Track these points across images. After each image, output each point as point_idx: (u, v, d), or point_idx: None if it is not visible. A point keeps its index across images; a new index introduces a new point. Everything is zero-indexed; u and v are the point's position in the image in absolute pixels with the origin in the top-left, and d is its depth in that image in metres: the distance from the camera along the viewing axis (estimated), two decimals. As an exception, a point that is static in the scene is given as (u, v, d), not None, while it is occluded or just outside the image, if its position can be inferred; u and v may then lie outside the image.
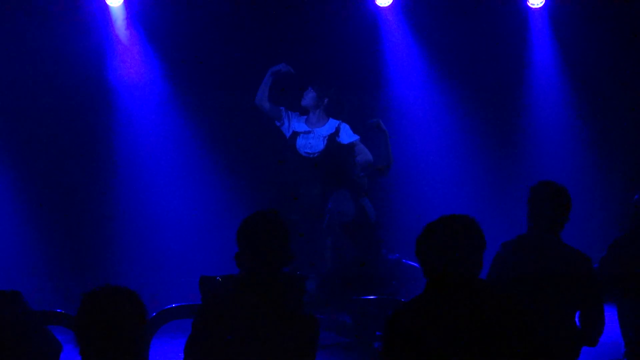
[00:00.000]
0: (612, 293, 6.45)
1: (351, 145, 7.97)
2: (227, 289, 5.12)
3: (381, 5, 9.82)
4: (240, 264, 4.07)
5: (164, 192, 9.91)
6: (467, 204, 10.19)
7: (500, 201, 10.08)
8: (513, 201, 9.90)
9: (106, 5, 9.52)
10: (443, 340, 3.46)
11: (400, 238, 8.97)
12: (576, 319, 5.19)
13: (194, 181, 9.94)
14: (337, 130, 8.12)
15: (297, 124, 8.18)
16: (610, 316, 6.81)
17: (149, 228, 9.77)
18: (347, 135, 8.10)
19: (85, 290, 3.41)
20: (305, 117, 8.22)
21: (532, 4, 10.00)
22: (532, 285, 5.01)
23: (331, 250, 7.47)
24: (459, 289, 3.54)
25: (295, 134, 8.16)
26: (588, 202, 10.22)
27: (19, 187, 9.82)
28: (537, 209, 5.32)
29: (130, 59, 9.73)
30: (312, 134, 8.13)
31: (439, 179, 10.26)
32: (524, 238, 5.38)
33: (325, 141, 8.07)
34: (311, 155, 8.07)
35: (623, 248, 6.47)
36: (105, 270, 9.40)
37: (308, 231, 7.71)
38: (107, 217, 9.84)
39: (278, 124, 8.29)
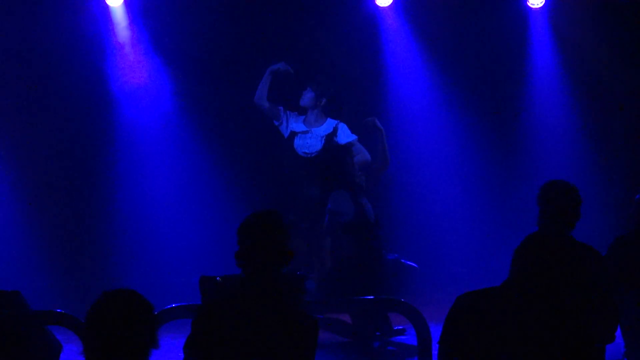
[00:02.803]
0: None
1: (349, 145, 7.97)
2: (227, 289, 5.13)
3: (381, 5, 9.82)
4: (240, 263, 4.07)
5: (163, 192, 9.91)
6: (467, 204, 10.20)
7: (500, 201, 10.08)
8: (513, 201, 9.94)
9: (106, 5, 9.52)
10: None
11: (399, 238, 8.99)
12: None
13: (194, 181, 9.94)
14: (335, 130, 8.12)
15: (295, 124, 8.18)
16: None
17: (149, 228, 9.77)
18: (345, 135, 8.10)
19: (95, 290, 3.42)
20: (303, 116, 8.22)
21: (532, 4, 10.00)
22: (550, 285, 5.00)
23: (330, 250, 7.46)
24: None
25: (293, 134, 8.16)
26: (588, 202, 10.20)
27: (20, 188, 9.82)
28: (548, 207, 5.33)
29: (130, 59, 9.73)
30: (309, 133, 8.13)
31: (439, 179, 10.25)
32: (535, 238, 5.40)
33: (323, 141, 8.07)
34: (309, 155, 8.07)
35: (624, 248, 6.47)
36: (105, 270, 9.41)
37: (307, 231, 7.72)
38: (108, 217, 9.84)
39: (276, 123, 8.29)
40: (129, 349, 3.30)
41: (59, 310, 5.73)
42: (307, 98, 8.17)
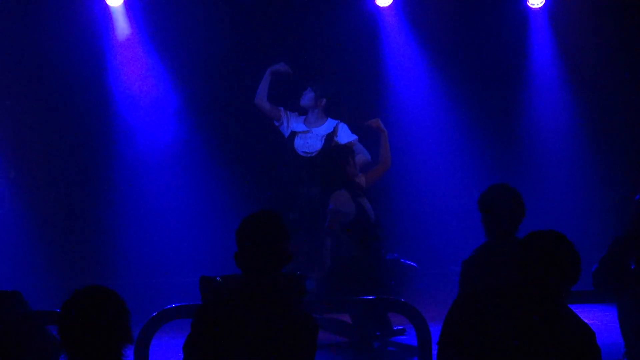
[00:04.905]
0: (612, 293, 6.46)
1: (349, 145, 7.97)
2: (227, 289, 5.12)
3: (381, 5, 9.82)
4: (240, 264, 4.07)
5: (163, 191, 9.91)
6: (467, 203, 10.19)
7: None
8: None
9: (106, 5, 9.53)
10: None
11: (398, 238, 8.99)
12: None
13: (193, 181, 9.94)
14: (335, 130, 8.14)
15: (295, 124, 8.20)
16: (610, 316, 6.82)
17: (149, 228, 9.78)
18: (345, 135, 8.11)
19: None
20: (303, 117, 8.24)
21: (532, 4, 10.01)
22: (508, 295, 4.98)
23: (331, 250, 7.46)
24: None
25: (294, 134, 8.18)
26: (588, 202, 10.22)
27: (19, 187, 9.83)
28: (492, 215, 5.41)
29: (129, 59, 9.74)
30: (310, 133, 8.14)
31: (439, 179, 10.25)
32: (485, 249, 5.45)
33: (323, 141, 8.09)
34: (309, 155, 8.09)
35: (623, 248, 6.46)
36: (105, 270, 9.40)
37: (307, 231, 7.71)
38: (107, 217, 9.84)
39: (277, 123, 8.30)
40: (99, 344, 3.32)
41: (59, 310, 5.72)
42: (307, 98, 8.18)
